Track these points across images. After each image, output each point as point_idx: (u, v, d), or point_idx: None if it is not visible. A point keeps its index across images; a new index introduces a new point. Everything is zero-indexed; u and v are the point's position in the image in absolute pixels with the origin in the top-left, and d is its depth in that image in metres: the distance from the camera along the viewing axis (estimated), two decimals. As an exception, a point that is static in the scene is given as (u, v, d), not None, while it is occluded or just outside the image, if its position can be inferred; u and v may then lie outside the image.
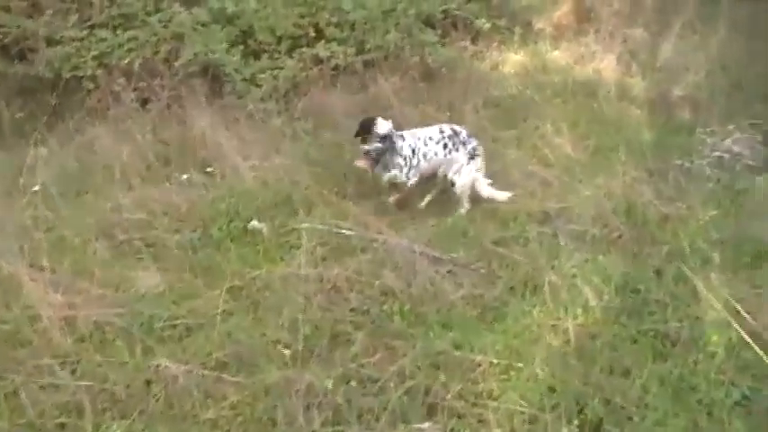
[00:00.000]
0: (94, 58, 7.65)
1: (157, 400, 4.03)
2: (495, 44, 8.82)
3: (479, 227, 5.58)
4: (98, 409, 4.01)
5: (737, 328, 4.42)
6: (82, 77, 7.60)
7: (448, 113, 7.29)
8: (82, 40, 7.75)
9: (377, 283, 4.85)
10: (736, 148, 6.60)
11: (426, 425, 3.84)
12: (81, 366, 4.27)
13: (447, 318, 4.63)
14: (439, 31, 8.50)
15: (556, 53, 8.90)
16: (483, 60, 8.54)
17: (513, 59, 8.68)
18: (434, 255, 5.16)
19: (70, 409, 4.01)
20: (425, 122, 6.70)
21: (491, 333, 4.49)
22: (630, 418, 4.02)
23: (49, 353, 4.32)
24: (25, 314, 4.60)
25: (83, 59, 7.64)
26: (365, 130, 5.96)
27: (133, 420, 3.94)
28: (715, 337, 4.47)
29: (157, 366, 4.17)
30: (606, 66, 8.53)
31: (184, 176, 6.29)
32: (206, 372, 4.16)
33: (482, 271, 5.10)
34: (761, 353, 4.27)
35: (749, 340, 4.35)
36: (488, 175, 6.19)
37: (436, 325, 4.55)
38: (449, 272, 5.04)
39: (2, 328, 4.56)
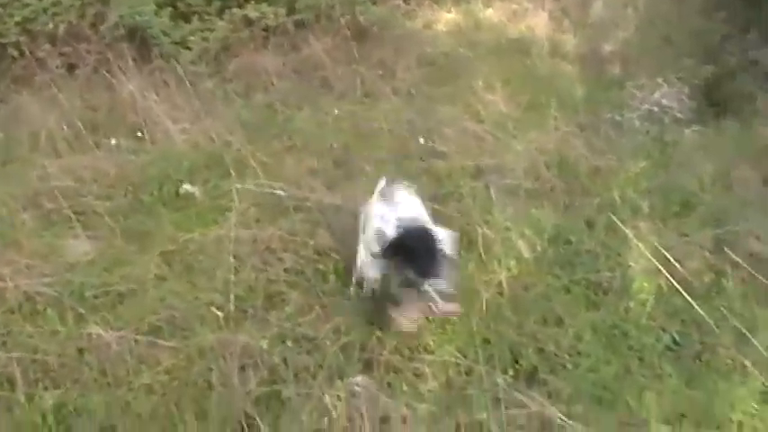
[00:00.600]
0: (17, 24, 7.38)
1: (91, 369, 3.97)
2: (428, 2, 8.74)
3: (415, 184, 5.56)
4: (30, 379, 3.94)
5: (667, 275, 4.54)
6: (5, 44, 7.35)
7: (380, 72, 7.26)
8: (4, 6, 7.47)
9: (311, 242, 4.83)
10: (664, 102, 6.69)
11: (359, 378, 3.86)
12: (11, 338, 4.17)
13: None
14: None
15: (488, 11, 8.86)
16: (415, 19, 8.47)
17: (446, 18, 8.63)
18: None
19: (1, 381, 3.92)
20: (359, 83, 6.82)
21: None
22: (564, 366, 4.11)
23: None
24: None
25: (5, 26, 7.36)
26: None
27: (66, 389, 3.89)
28: (645, 285, 4.60)
29: (90, 334, 4.10)
30: (538, 23, 8.54)
31: (113, 142, 6.14)
32: (139, 337, 4.11)
33: (417, 227, 5.12)
34: (689, 299, 4.39)
35: (678, 287, 4.46)
36: (424, 132, 6.20)
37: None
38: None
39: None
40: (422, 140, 6.04)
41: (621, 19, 8.75)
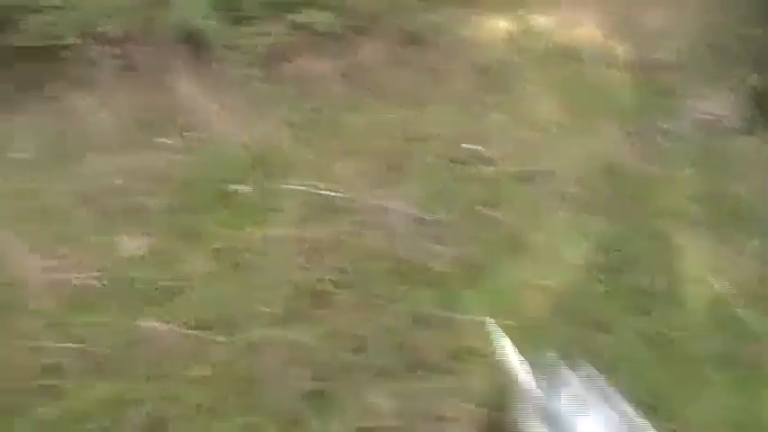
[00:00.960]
0: (74, 25, 7.54)
1: (141, 361, 4.03)
2: (480, 9, 8.76)
3: (463, 188, 5.58)
4: (81, 369, 4.00)
5: (716, 284, 4.49)
6: (61, 46, 7.50)
7: (431, 77, 7.27)
8: (61, 8, 7.64)
9: (360, 243, 4.87)
10: (714, 110, 6.63)
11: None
12: (63, 329, 4.25)
13: (431, 277, 4.65)
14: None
15: (540, 19, 8.84)
16: (467, 26, 8.49)
17: (497, 25, 8.63)
18: (418, 215, 5.18)
19: (53, 370, 3.99)
20: (410, 88, 6.86)
21: (474, 292, 4.53)
22: (611, 374, 4.07)
23: (32, 316, 4.31)
24: (8, 279, 4.57)
25: (62, 27, 7.53)
26: None
27: (116, 380, 3.95)
28: (694, 294, 4.54)
29: (140, 327, 4.18)
30: (589, 31, 8.50)
31: (165, 141, 6.25)
32: (189, 332, 4.17)
33: (466, 231, 5.12)
34: (739, 308, 4.34)
35: (727, 296, 4.41)
36: (473, 137, 6.20)
37: (420, 284, 4.57)
38: (432, 232, 5.07)
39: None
40: (471, 146, 6.04)
41: (672, 27, 8.65)
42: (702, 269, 4.59)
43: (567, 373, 3.25)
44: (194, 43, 7.56)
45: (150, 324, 4.18)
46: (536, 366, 3.38)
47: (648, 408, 3.84)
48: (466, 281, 4.66)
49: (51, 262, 4.74)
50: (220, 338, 4.14)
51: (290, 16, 7.87)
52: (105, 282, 4.58)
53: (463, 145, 6.09)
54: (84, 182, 5.70)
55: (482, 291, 4.54)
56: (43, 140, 6.53)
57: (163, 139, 6.26)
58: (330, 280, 4.57)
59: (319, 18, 7.85)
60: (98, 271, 4.68)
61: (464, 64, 7.58)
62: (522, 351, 3.53)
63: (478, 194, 5.51)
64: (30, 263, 4.68)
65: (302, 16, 7.85)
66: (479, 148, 6.03)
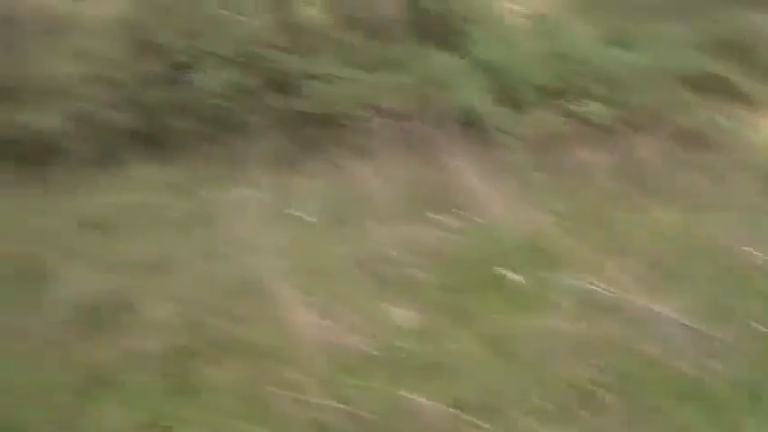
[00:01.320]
0: (353, 97, 8.03)
1: (401, 430, 4.13)
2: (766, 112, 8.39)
3: (741, 301, 5.28)
4: (343, 430, 4.15)
5: None
6: (342, 114, 7.99)
7: (710, 180, 7.02)
8: (344, 79, 8.16)
9: (628, 346, 4.72)
10: None
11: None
12: (331, 387, 4.42)
13: (702, 393, 4.41)
14: (704, 95, 8.22)
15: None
16: (753, 128, 8.14)
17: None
18: (690, 324, 4.94)
19: (316, 426, 4.18)
20: (688, 190, 6.65)
21: (755, 420, 4.22)
22: None
23: (302, 371, 4.53)
24: (284, 331, 4.88)
25: (342, 97, 8.03)
26: None
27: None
28: None
29: (404, 398, 4.28)
30: None
31: (439, 218, 6.45)
32: (450, 410, 4.21)
33: (742, 349, 4.83)
34: None
35: None
36: (753, 247, 5.86)
37: (689, 399, 4.35)
38: (705, 344, 4.82)
39: (262, 343, 4.85)
40: (752, 256, 5.72)
41: None
42: None
43: None
44: (470, 124, 7.80)
45: (414, 397, 4.27)
46: None
47: None
48: (743, 405, 4.38)
49: (325, 321, 5.00)
50: (482, 422, 4.15)
51: (567, 105, 7.94)
52: (375, 349, 4.73)
53: (744, 253, 5.78)
54: (360, 247, 5.99)
55: (763, 421, 4.24)
56: (322, 202, 6.93)
57: (436, 216, 6.45)
58: (596, 381, 4.46)
59: (593, 109, 7.87)
60: (369, 336, 4.86)
61: (747, 168, 7.27)
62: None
63: (758, 310, 5.18)
64: (304, 319, 4.97)
65: (577, 105, 7.89)
66: (762, 259, 5.70)
